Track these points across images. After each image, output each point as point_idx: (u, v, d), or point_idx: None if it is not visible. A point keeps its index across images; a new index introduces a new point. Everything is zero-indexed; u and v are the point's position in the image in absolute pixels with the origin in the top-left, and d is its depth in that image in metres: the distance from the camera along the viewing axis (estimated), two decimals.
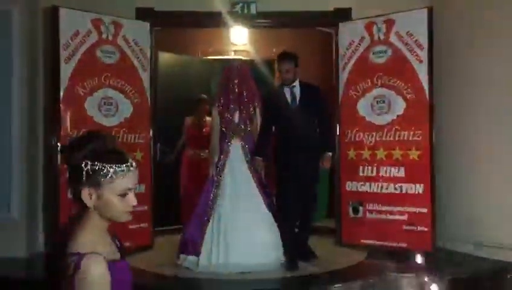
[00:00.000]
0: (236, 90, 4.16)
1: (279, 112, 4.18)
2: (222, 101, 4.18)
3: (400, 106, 4.46)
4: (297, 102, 4.19)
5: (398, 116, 4.47)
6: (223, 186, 4.09)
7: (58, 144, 4.23)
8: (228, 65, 4.36)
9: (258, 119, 4.25)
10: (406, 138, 4.43)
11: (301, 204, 4.16)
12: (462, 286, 3.88)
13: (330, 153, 4.25)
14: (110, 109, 4.48)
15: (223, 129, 4.16)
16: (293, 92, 4.19)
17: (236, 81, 4.15)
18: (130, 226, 4.51)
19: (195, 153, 5.54)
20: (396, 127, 4.47)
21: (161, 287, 3.93)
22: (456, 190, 4.43)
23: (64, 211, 4.21)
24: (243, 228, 3.93)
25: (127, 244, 4.37)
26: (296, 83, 4.20)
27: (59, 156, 4.21)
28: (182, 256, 4.09)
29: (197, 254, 4.00)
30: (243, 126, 4.17)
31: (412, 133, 4.40)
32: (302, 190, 4.15)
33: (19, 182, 4.41)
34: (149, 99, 4.74)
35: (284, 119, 4.15)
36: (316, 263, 4.14)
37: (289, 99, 4.19)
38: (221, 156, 4.15)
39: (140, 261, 4.28)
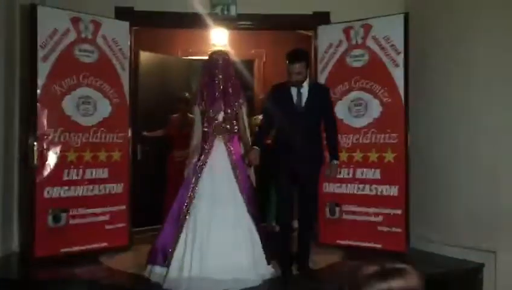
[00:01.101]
0: (221, 87, 3.83)
1: (283, 112, 3.82)
2: (205, 98, 3.84)
3: (376, 109, 4.54)
4: (303, 104, 3.84)
5: (374, 119, 4.55)
6: (201, 188, 3.71)
7: (35, 143, 4.19)
8: (211, 59, 3.95)
9: (245, 119, 3.97)
10: (382, 141, 4.51)
11: (301, 206, 3.94)
12: (433, 285, 3.97)
13: (337, 162, 4.00)
14: (88, 108, 4.45)
15: (205, 129, 3.84)
16: (300, 92, 3.84)
17: (220, 77, 3.83)
18: (107, 227, 4.54)
19: (183, 154, 5.38)
20: (373, 129, 4.55)
21: (136, 286, 3.90)
22: (430, 192, 4.53)
23: (40, 212, 4.19)
24: (221, 238, 3.54)
25: (104, 244, 4.48)
26: (305, 83, 3.86)
27: (35, 156, 4.19)
28: (148, 267, 3.73)
29: (167, 265, 3.60)
30: (228, 126, 3.85)
31: (387, 136, 4.48)
32: (301, 191, 3.91)
33: None
34: (128, 99, 4.72)
35: (287, 121, 3.81)
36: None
37: (294, 100, 3.84)
38: (202, 157, 3.79)
39: (116, 262, 4.29)
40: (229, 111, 3.83)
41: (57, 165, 4.27)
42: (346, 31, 4.67)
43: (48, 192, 4.23)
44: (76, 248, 4.33)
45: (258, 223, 3.78)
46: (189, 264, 3.49)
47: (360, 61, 4.61)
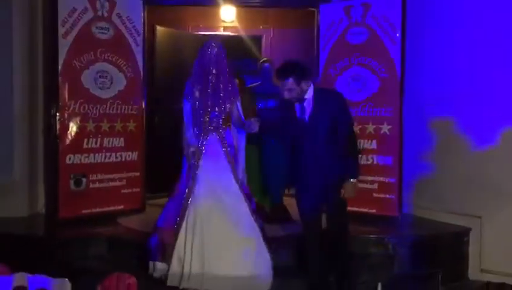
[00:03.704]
0: (213, 81, 3.64)
1: (291, 126, 3.54)
2: (197, 93, 3.65)
3: (374, 84, 4.81)
4: (307, 117, 3.46)
5: (372, 93, 4.82)
6: (198, 185, 3.59)
7: (57, 114, 4.56)
8: (203, 49, 3.69)
9: (240, 112, 3.78)
10: (378, 114, 4.79)
11: (331, 235, 3.58)
12: (424, 247, 4.34)
13: (354, 180, 3.44)
14: (105, 82, 4.79)
15: (197, 125, 3.69)
16: (303, 106, 3.47)
17: (213, 71, 3.62)
18: (123, 191, 4.94)
19: None
20: (370, 103, 4.84)
21: None
22: (422, 161, 4.84)
23: (62, 177, 4.59)
24: (222, 235, 3.47)
25: (121, 207, 4.90)
26: (308, 95, 3.45)
27: (57, 126, 4.57)
28: (151, 263, 3.64)
29: (167, 261, 3.52)
30: (221, 122, 3.70)
31: (384, 109, 4.77)
32: (329, 219, 3.57)
33: (21, 147, 4.77)
34: (142, 73, 5.05)
35: (294, 136, 3.54)
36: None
37: (299, 113, 3.50)
38: (196, 154, 3.66)
39: (132, 222, 4.72)
40: (221, 108, 3.66)
41: (77, 134, 4.65)
42: (347, 9, 4.92)
43: (70, 159, 4.62)
44: (96, 210, 4.74)
45: (257, 217, 3.69)
46: (189, 261, 3.44)
47: (359, 39, 4.87)
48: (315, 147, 3.43)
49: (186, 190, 3.61)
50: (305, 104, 3.46)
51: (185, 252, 3.47)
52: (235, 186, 3.63)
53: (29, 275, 1.79)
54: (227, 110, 3.68)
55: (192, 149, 3.65)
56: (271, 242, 3.71)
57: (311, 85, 3.48)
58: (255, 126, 3.52)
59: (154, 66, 6.05)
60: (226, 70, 3.67)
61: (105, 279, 1.79)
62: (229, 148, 3.71)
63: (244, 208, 3.60)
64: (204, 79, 3.63)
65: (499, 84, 4.38)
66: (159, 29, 6.13)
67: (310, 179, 3.50)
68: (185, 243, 3.48)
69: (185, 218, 3.53)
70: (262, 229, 3.66)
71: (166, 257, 3.53)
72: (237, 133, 3.86)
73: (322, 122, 3.42)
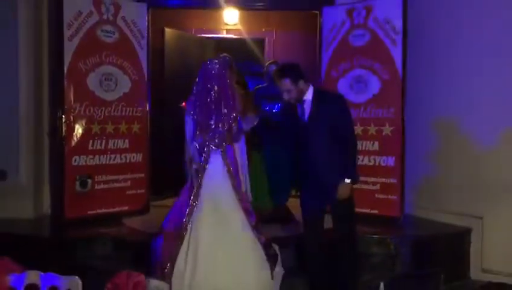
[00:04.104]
0: (216, 97, 3.58)
1: (290, 130, 3.65)
2: (198, 109, 3.60)
3: (375, 86, 4.86)
4: (306, 118, 3.52)
5: (374, 95, 4.88)
6: (200, 202, 3.52)
7: (63, 116, 4.62)
8: (204, 66, 3.67)
9: (240, 127, 3.70)
10: (380, 115, 4.84)
11: (335, 228, 3.61)
12: (426, 247, 4.39)
13: (348, 180, 3.47)
14: (110, 84, 4.86)
15: (199, 140, 3.60)
16: (303, 107, 3.53)
17: (215, 87, 3.57)
18: (128, 192, 5.00)
19: None
20: (373, 105, 4.89)
21: None
22: (424, 162, 4.89)
23: (68, 178, 4.65)
24: (226, 255, 3.41)
25: (126, 208, 4.96)
26: (307, 96, 3.52)
27: (63, 128, 4.63)
28: (147, 281, 3.25)
29: (168, 280, 3.39)
30: (224, 139, 3.61)
31: (385, 110, 4.82)
32: (333, 213, 3.59)
33: (27, 150, 4.83)
34: (146, 75, 5.11)
35: (296, 140, 3.60)
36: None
37: (299, 114, 3.57)
38: (198, 171, 3.58)
39: (137, 223, 4.78)
40: (224, 125, 3.59)
41: (82, 136, 4.71)
42: (349, 12, 4.97)
43: (75, 160, 4.68)
44: (101, 211, 4.80)
45: (260, 235, 3.60)
46: (190, 280, 3.36)
47: (361, 41, 4.92)
48: (315, 148, 3.48)
49: (188, 209, 3.53)
50: (304, 105, 3.52)
51: (185, 272, 3.38)
52: (237, 205, 3.55)
53: (41, 273, 1.84)
54: (231, 126, 3.62)
55: (194, 167, 3.60)
56: (274, 258, 3.64)
57: (311, 86, 3.55)
58: (253, 120, 3.65)
59: (164, 67, 6.20)
60: (228, 86, 3.63)
61: (114, 276, 1.84)
62: (231, 166, 3.63)
63: (247, 228, 3.53)
64: (206, 95, 3.58)
65: (500, 85, 4.43)
66: (168, 31, 6.24)
67: (310, 179, 3.55)
68: (185, 263, 3.40)
69: (186, 238, 3.45)
70: (264, 246, 3.58)
71: (165, 276, 3.40)
72: (239, 148, 3.80)
73: (321, 123, 3.46)
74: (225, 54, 5.14)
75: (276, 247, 3.69)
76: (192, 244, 3.41)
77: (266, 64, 5.26)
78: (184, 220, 3.50)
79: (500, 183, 4.38)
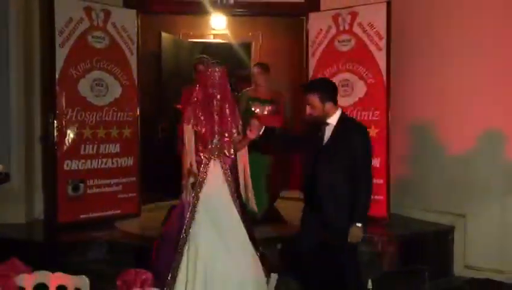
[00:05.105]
0: (219, 106, 3.43)
1: (306, 147, 3.44)
2: (199, 118, 3.43)
3: (361, 89, 5.01)
4: (324, 144, 3.27)
5: (359, 98, 5.03)
6: (199, 215, 3.37)
7: (55, 121, 4.68)
8: (206, 74, 3.49)
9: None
10: (366, 118, 4.98)
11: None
12: (410, 245, 4.54)
13: (359, 225, 3.17)
14: (101, 90, 4.93)
15: (200, 152, 3.45)
16: (324, 129, 3.27)
17: (217, 96, 3.42)
18: (120, 196, 5.07)
19: None
20: (358, 108, 5.03)
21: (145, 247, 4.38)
22: (409, 163, 5.05)
23: (61, 182, 4.69)
24: (226, 269, 3.26)
25: (118, 211, 5.02)
26: (332, 120, 3.25)
27: (55, 133, 4.68)
28: None
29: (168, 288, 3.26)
30: (225, 150, 3.47)
31: (371, 113, 4.97)
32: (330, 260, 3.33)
33: (18, 155, 4.87)
34: (136, 80, 5.18)
35: (308, 160, 3.37)
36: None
37: (320, 137, 3.30)
38: (198, 183, 3.41)
39: (129, 226, 4.84)
40: (226, 135, 3.46)
41: (74, 140, 4.77)
42: (335, 18, 5.12)
43: (67, 165, 4.74)
44: (93, 215, 4.87)
45: (258, 248, 3.48)
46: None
47: (347, 46, 5.07)
48: (324, 175, 3.23)
49: (185, 223, 3.37)
50: (326, 128, 3.25)
51: (186, 282, 3.26)
52: (238, 218, 3.41)
53: (50, 273, 1.92)
54: (234, 136, 3.49)
55: (192, 180, 3.41)
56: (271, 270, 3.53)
57: (339, 110, 3.29)
58: (260, 129, 3.38)
59: (161, 69, 6.44)
60: (229, 95, 3.52)
61: (124, 273, 1.93)
62: (231, 176, 3.50)
63: (247, 240, 3.40)
64: (208, 105, 3.43)
65: (479, 87, 4.60)
66: (164, 35, 6.42)
67: (311, 208, 3.37)
68: (186, 279, 3.27)
69: (185, 253, 3.31)
70: (262, 256, 3.48)
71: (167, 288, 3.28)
72: (241, 156, 3.66)
73: (339, 152, 3.20)
74: (203, 56, 5.26)
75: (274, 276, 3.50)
76: (191, 259, 3.27)
77: (253, 65, 5.36)
78: (182, 233, 3.35)
79: (481, 182, 4.55)
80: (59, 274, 1.94)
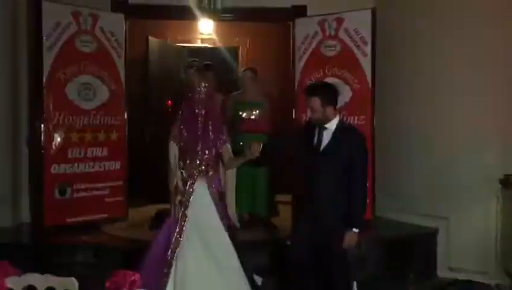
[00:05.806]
0: (203, 122, 3.41)
1: (298, 152, 3.45)
2: (184, 136, 3.42)
3: (347, 95, 5.08)
4: (321, 149, 3.29)
5: (345, 103, 5.08)
6: (186, 235, 3.31)
7: (42, 125, 4.67)
8: (192, 90, 3.47)
9: (230, 153, 3.49)
10: (352, 123, 5.04)
11: None
12: (395, 247, 4.61)
13: (356, 230, 3.22)
14: (88, 93, 4.94)
15: (185, 169, 3.41)
16: (321, 134, 3.29)
17: (202, 112, 3.40)
18: (107, 199, 5.08)
19: None
20: (344, 112, 5.08)
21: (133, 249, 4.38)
22: (392, 166, 5.13)
23: (48, 186, 4.69)
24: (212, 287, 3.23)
25: (105, 215, 5.03)
26: (331, 125, 3.28)
27: (42, 136, 4.68)
28: None
29: None
30: (210, 167, 3.43)
31: (357, 118, 5.04)
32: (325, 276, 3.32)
33: (4, 159, 4.84)
34: (124, 84, 5.20)
35: (299, 164, 3.42)
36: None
37: (314, 142, 3.31)
38: (183, 202, 3.38)
39: (116, 229, 4.87)
40: (210, 151, 3.42)
41: (61, 144, 4.78)
42: (321, 24, 5.18)
43: (54, 168, 4.74)
44: (80, 218, 4.86)
45: (247, 270, 3.45)
46: None
47: (333, 51, 5.14)
48: (321, 182, 3.25)
49: (173, 241, 3.31)
50: (324, 133, 3.27)
51: None
52: (226, 239, 3.37)
53: (39, 275, 1.94)
54: (218, 152, 3.46)
55: (179, 198, 3.39)
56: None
57: (338, 117, 3.34)
58: (258, 148, 3.29)
59: (148, 73, 6.46)
60: (215, 110, 3.55)
61: (113, 275, 1.96)
62: (217, 195, 3.46)
63: (235, 262, 3.35)
64: (193, 122, 3.41)
65: (462, 93, 4.70)
66: (152, 40, 6.44)
67: (307, 213, 3.39)
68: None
69: (172, 272, 3.25)
70: (251, 280, 3.48)
71: None
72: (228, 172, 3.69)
73: (336, 158, 3.22)
74: (194, 59, 5.33)
75: (259, 279, 3.68)
76: (178, 280, 3.20)
77: (241, 71, 5.41)
78: (168, 255, 3.28)
79: (462, 185, 4.63)
80: (48, 276, 1.96)
